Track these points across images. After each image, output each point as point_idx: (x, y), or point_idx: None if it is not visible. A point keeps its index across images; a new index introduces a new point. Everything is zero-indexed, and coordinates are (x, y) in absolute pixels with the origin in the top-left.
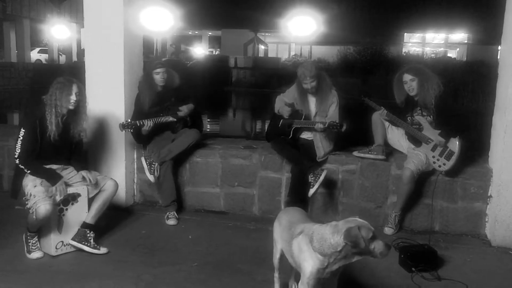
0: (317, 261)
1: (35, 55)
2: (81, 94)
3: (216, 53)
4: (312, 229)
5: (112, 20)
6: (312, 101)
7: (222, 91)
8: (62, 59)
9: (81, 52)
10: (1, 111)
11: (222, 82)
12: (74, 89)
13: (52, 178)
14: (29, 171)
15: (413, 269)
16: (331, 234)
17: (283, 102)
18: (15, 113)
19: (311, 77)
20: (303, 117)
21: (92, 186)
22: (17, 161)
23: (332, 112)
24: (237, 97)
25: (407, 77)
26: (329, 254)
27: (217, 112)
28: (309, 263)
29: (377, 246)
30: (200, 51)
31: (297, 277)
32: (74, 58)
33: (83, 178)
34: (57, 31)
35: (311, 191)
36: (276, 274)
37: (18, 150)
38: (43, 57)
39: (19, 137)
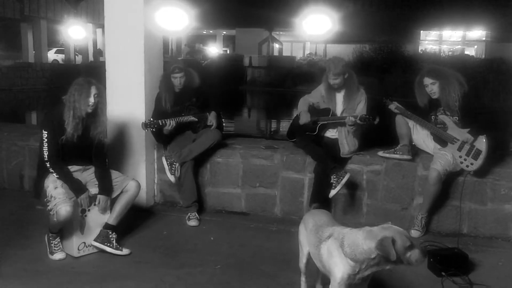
0: (348, 266)
1: (52, 55)
2: (100, 96)
3: (231, 52)
4: (343, 233)
5: (132, 20)
6: (339, 98)
7: (237, 90)
8: (79, 59)
9: (97, 52)
10: (20, 111)
11: (237, 81)
12: (93, 91)
13: (77, 190)
14: (57, 175)
15: (443, 273)
16: (364, 240)
17: (307, 104)
18: (33, 113)
19: (335, 74)
20: (330, 113)
21: (117, 182)
22: (47, 164)
23: (361, 109)
24: (252, 96)
25: (427, 80)
26: (361, 260)
27: (232, 111)
28: (339, 268)
29: (413, 254)
30: (214, 50)
31: (324, 280)
32: (91, 58)
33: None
34: (74, 32)
35: (332, 192)
36: (303, 278)
37: (46, 153)
38: (60, 57)
39: (44, 139)
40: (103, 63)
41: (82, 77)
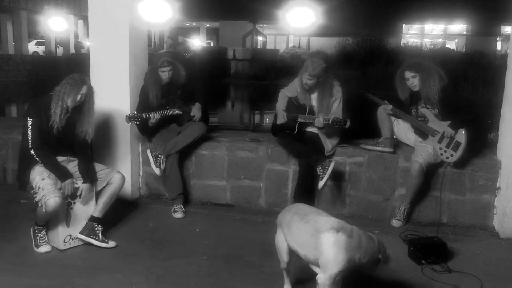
0: (346, 262)
1: (32, 47)
2: (88, 96)
3: (214, 45)
4: (351, 228)
5: (117, 12)
6: (314, 98)
7: (221, 83)
8: (60, 51)
9: (78, 44)
10: (0, 104)
11: (221, 74)
12: (83, 90)
13: (63, 176)
14: (41, 161)
15: (423, 261)
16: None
17: (285, 98)
18: (14, 106)
19: (311, 75)
20: (307, 111)
21: (102, 175)
22: (31, 151)
23: (336, 108)
24: (236, 89)
25: (408, 74)
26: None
27: (216, 104)
28: (338, 262)
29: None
30: (198, 43)
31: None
32: (72, 50)
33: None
34: (54, 23)
35: (321, 183)
36: (285, 272)
37: (30, 139)
38: (41, 49)
39: (28, 127)
40: (85, 55)
41: (79, 74)
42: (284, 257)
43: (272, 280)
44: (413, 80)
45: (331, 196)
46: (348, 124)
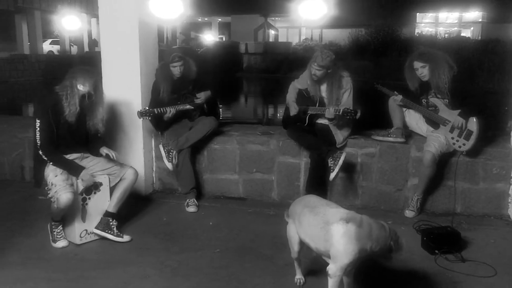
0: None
1: (47, 46)
2: (95, 85)
3: (226, 40)
4: (360, 218)
5: (127, 9)
6: (323, 88)
7: (234, 77)
8: (74, 49)
9: (92, 42)
10: (17, 103)
11: (233, 68)
12: (87, 79)
13: (74, 169)
14: (51, 162)
15: (436, 251)
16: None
17: (295, 90)
18: (30, 106)
19: (320, 65)
20: (317, 103)
21: (115, 170)
22: (40, 152)
23: (346, 99)
24: (249, 83)
25: (417, 64)
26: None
27: (229, 98)
28: (348, 253)
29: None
30: (210, 38)
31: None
32: (86, 49)
33: (106, 155)
34: (68, 22)
35: (332, 175)
36: (296, 262)
37: (38, 141)
38: (55, 48)
39: (36, 128)
40: (99, 53)
41: (78, 66)
42: (295, 247)
43: (284, 271)
44: (422, 70)
45: (343, 187)
46: (359, 114)
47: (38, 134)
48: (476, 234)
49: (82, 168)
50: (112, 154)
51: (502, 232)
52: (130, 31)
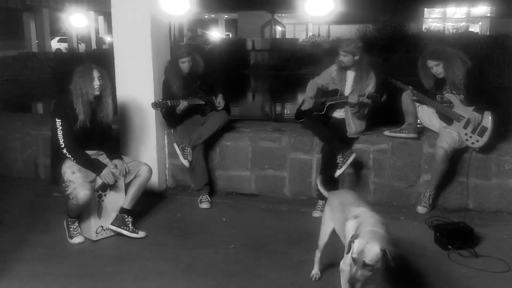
0: None
1: (55, 44)
2: (103, 78)
3: (233, 36)
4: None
5: (139, 6)
6: (349, 79)
7: (241, 74)
8: (82, 47)
9: (100, 40)
10: (28, 101)
11: (240, 65)
12: (95, 74)
13: (96, 167)
14: (75, 160)
15: (450, 246)
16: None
17: (315, 87)
18: (40, 103)
19: (345, 51)
20: (339, 94)
21: (121, 176)
22: (64, 151)
23: (369, 91)
24: (256, 80)
25: (431, 63)
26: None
27: (237, 95)
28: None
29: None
30: (216, 34)
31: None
32: (94, 46)
33: (115, 167)
34: (75, 20)
35: (338, 172)
36: (318, 254)
37: (62, 141)
38: (63, 46)
39: (58, 128)
40: (106, 50)
41: (82, 64)
42: (324, 238)
43: (298, 267)
44: (437, 68)
45: (356, 184)
46: (384, 97)
47: (60, 133)
48: (489, 230)
49: (104, 165)
50: (121, 170)
51: None
52: (143, 28)
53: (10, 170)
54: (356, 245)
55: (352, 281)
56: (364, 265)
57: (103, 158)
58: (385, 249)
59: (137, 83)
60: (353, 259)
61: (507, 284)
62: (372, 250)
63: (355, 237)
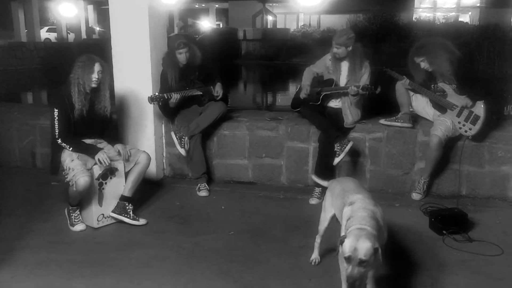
0: None
1: (44, 34)
2: (104, 72)
3: (224, 26)
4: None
5: None
6: (344, 69)
7: (232, 64)
8: (71, 37)
9: (90, 30)
10: (17, 91)
11: (232, 55)
12: (97, 67)
13: (91, 151)
14: (70, 148)
15: (444, 231)
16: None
17: (310, 75)
18: (30, 93)
19: (337, 43)
20: (334, 84)
21: (125, 161)
22: (58, 140)
23: (364, 81)
24: (247, 70)
25: (417, 59)
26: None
27: (228, 85)
28: None
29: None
30: (207, 24)
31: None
32: (83, 36)
33: (119, 152)
34: (65, 9)
35: (336, 160)
36: (318, 240)
37: (57, 130)
38: (52, 36)
39: (55, 117)
40: (96, 40)
41: (86, 54)
42: (325, 223)
43: (298, 252)
44: (424, 64)
45: (352, 171)
46: (379, 89)
47: (56, 123)
48: (482, 216)
49: (99, 149)
50: (124, 153)
51: (507, 213)
52: (141, 18)
53: (7, 160)
54: (348, 245)
55: (351, 280)
56: (360, 262)
57: (101, 146)
58: (377, 247)
59: (135, 73)
60: (347, 259)
61: (500, 267)
62: (364, 246)
63: (344, 237)
